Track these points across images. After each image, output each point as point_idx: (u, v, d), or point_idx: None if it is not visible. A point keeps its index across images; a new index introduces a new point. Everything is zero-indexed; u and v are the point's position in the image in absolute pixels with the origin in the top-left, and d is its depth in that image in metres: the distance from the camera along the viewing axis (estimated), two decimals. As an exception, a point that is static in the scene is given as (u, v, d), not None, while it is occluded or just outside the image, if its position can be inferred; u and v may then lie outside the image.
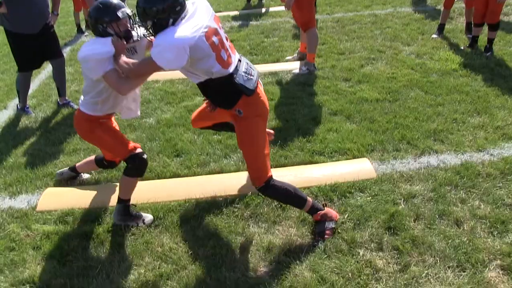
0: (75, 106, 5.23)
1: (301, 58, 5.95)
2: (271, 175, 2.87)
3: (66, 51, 7.51)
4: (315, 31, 5.47)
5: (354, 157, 3.76)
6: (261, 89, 2.88)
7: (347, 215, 3.09)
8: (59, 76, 5.27)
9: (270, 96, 4.92)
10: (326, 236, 2.92)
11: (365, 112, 4.44)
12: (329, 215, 2.96)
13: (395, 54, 5.96)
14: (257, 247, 2.90)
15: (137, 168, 3.15)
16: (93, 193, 3.57)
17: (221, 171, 3.71)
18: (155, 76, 5.75)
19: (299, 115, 4.48)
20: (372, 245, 2.83)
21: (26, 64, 5.06)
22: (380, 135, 4.02)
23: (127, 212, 3.21)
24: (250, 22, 7.93)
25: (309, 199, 2.96)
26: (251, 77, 2.76)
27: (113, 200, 3.43)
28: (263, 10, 8.79)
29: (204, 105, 3.26)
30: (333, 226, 2.96)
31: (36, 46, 4.91)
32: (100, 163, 3.59)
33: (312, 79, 5.33)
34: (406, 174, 3.48)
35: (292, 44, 6.69)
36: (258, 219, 3.14)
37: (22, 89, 5.22)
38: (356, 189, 3.34)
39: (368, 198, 3.24)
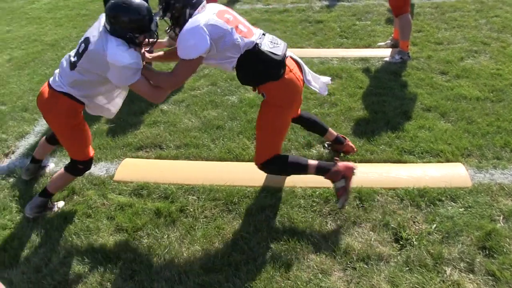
0: None
1: (394, 45, 5.56)
2: (277, 154, 2.90)
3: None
4: (408, 17, 5.06)
5: (447, 160, 3.42)
6: (293, 71, 2.77)
7: (434, 225, 2.81)
8: None
9: (359, 84, 4.63)
10: (339, 196, 2.92)
11: (463, 111, 4.04)
12: (339, 173, 2.87)
13: (502, 47, 5.39)
14: (333, 248, 2.71)
15: (84, 169, 3.14)
16: (170, 168, 3.53)
17: (300, 160, 3.53)
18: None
19: (389, 107, 4.17)
20: (461, 265, 2.54)
21: None
22: (478, 139, 3.63)
23: (44, 206, 3.19)
24: (342, 3, 7.55)
25: (313, 163, 2.91)
26: (278, 45, 2.76)
27: (189, 179, 3.37)
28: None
29: None
30: (343, 184, 2.88)
31: None
32: (52, 140, 3.43)
33: (405, 69, 4.95)
34: (507, 188, 3.10)
35: (385, 29, 6.28)
36: (337, 218, 2.94)
37: None
38: (447, 197, 3.03)
39: (460, 210, 2.92)
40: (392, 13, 5.26)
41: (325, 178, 2.92)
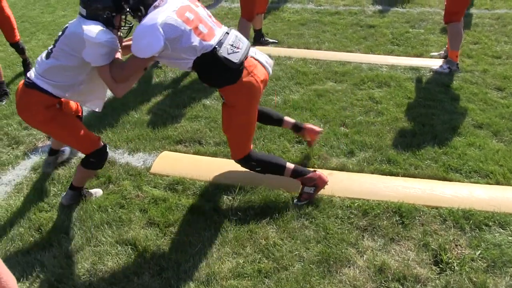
0: None
1: (447, 56, 5.34)
2: (250, 150, 2.98)
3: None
4: (458, 27, 4.81)
5: (497, 183, 3.23)
6: (253, 73, 2.75)
7: (479, 251, 2.63)
8: None
9: (407, 94, 4.46)
10: (301, 199, 3.04)
11: (518, 131, 3.82)
12: (312, 180, 3.00)
13: None
14: (368, 264, 2.58)
15: (98, 162, 3.04)
16: (207, 165, 3.48)
17: (342, 169, 3.40)
18: (288, 52, 5.61)
19: (437, 121, 3.98)
20: (508, 299, 2.38)
21: None
22: (534, 163, 3.41)
23: (78, 197, 3.17)
24: (395, 9, 7.33)
25: (290, 166, 3.02)
26: (238, 50, 2.68)
27: (225, 177, 3.32)
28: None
29: None
30: (311, 191, 3.02)
31: None
32: None
33: (457, 82, 4.74)
34: None
35: (439, 38, 6.04)
36: (375, 232, 2.81)
37: None
38: (495, 222, 2.85)
39: (510, 238, 2.73)
40: (443, 19, 5.01)
41: (297, 179, 3.05)
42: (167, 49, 2.57)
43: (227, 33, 2.74)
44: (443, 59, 5.26)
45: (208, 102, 4.48)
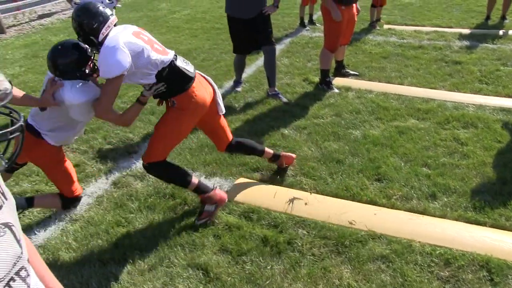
0: (284, 99, 5.24)
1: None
2: (162, 160, 3.07)
3: (285, 42, 7.66)
4: None
5: None
6: (201, 86, 3.04)
7: None
8: (268, 65, 5.32)
9: (497, 137, 4.20)
10: (200, 218, 3.18)
11: None
12: (213, 199, 3.17)
13: None
14: (450, 320, 2.41)
15: (68, 207, 3.35)
16: (283, 196, 3.43)
17: (423, 212, 3.23)
18: (369, 85, 5.51)
19: (530, 169, 3.71)
20: None
21: (237, 46, 5.39)
22: None
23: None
24: (485, 44, 7.03)
25: (195, 180, 3.13)
26: (188, 64, 3.05)
27: (301, 210, 3.25)
28: (502, 32, 7.72)
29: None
30: (212, 209, 3.19)
31: (247, 31, 5.15)
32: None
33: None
34: None
35: (533, 79, 5.70)
36: (458, 286, 2.62)
37: (236, 68, 5.67)
38: None
39: None
40: None
41: (199, 196, 3.22)
42: (132, 67, 2.74)
43: (175, 55, 3.02)
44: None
45: (286, 131, 4.46)
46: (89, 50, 2.91)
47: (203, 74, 3.19)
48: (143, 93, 2.95)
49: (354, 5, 5.31)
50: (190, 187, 3.14)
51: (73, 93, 2.79)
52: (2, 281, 1.03)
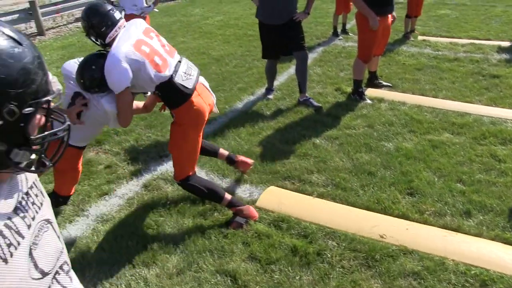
0: (316, 103, 5.23)
1: None
2: (192, 174, 3.15)
3: (318, 51, 7.63)
4: None
5: None
6: (200, 97, 3.06)
7: None
8: (300, 71, 5.32)
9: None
10: (231, 226, 3.22)
11: None
12: (245, 213, 3.23)
13: None
14: None
15: (56, 205, 3.39)
16: (313, 206, 3.41)
17: (457, 229, 3.15)
18: (403, 97, 5.43)
19: None
20: None
21: (267, 51, 5.42)
22: None
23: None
24: (525, 58, 6.86)
25: (228, 196, 3.22)
26: (190, 76, 3.04)
27: (331, 221, 3.21)
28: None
29: None
30: (242, 222, 3.22)
31: (277, 37, 5.16)
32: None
33: None
34: None
35: None
36: (494, 307, 2.55)
37: (267, 74, 5.67)
38: None
39: None
40: None
41: (231, 209, 3.26)
42: (132, 80, 2.81)
43: (180, 61, 3.06)
44: None
45: (318, 141, 4.43)
46: None
47: (204, 83, 3.23)
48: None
49: (389, 15, 5.25)
50: (223, 202, 3.22)
51: (105, 102, 2.93)
52: (50, 274, 1.07)
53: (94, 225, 3.35)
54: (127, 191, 3.76)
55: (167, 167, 4.06)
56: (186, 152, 3.12)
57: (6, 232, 0.94)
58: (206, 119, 3.15)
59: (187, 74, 3.03)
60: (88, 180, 3.95)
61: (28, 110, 0.94)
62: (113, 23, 2.85)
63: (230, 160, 3.77)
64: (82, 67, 2.87)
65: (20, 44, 0.93)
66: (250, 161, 3.84)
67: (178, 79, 2.96)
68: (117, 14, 2.91)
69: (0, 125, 0.90)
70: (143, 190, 3.75)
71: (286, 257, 2.92)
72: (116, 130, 4.77)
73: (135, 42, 2.84)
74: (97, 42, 2.94)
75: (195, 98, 3.01)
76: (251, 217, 3.25)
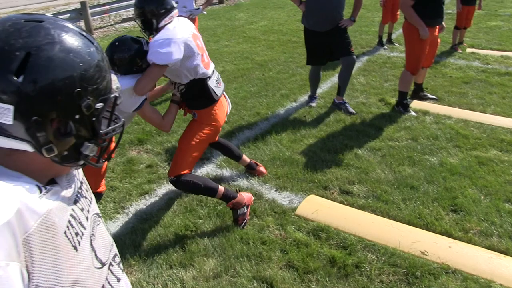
0: (351, 109, 5.24)
1: None
2: (187, 173, 3.14)
3: (362, 60, 7.55)
4: None
5: None
6: (222, 106, 3.23)
7: None
8: (343, 74, 5.30)
9: None
10: (239, 223, 3.27)
11: None
12: (241, 202, 3.25)
13: None
14: None
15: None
16: (354, 217, 3.36)
17: (505, 252, 3.03)
18: (448, 111, 5.30)
19: None
20: None
21: (312, 58, 5.43)
22: None
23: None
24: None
25: (221, 188, 3.20)
26: (220, 86, 3.22)
27: (372, 234, 3.16)
28: None
29: None
30: (244, 211, 3.28)
31: (323, 43, 5.18)
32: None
33: None
34: None
35: None
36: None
37: (311, 81, 5.65)
38: None
39: None
40: None
41: (228, 205, 3.26)
42: (177, 64, 2.88)
43: (213, 70, 3.19)
44: None
45: (360, 151, 4.38)
46: (145, 45, 2.95)
47: (225, 94, 3.37)
48: (173, 92, 3.22)
49: (437, 27, 5.14)
50: (218, 195, 3.22)
51: (122, 80, 2.86)
52: (105, 265, 1.11)
53: (133, 223, 3.41)
54: (167, 192, 3.81)
55: (208, 170, 4.10)
56: (193, 149, 3.16)
57: (72, 221, 0.97)
58: (222, 124, 3.30)
59: (217, 83, 3.19)
60: (129, 179, 4.03)
61: (99, 105, 0.98)
62: (169, 10, 2.97)
63: (251, 167, 3.94)
64: (115, 45, 2.89)
65: (92, 43, 0.98)
66: (265, 171, 4.02)
67: (211, 84, 3.11)
68: (174, 3, 3.04)
69: (77, 119, 0.95)
70: (182, 192, 3.79)
71: (324, 268, 2.89)
72: (158, 131, 4.85)
73: (192, 34, 2.99)
74: (144, 29, 3.04)
75: (218, 105, 3.17)
76: (249, 201, 3.33)
